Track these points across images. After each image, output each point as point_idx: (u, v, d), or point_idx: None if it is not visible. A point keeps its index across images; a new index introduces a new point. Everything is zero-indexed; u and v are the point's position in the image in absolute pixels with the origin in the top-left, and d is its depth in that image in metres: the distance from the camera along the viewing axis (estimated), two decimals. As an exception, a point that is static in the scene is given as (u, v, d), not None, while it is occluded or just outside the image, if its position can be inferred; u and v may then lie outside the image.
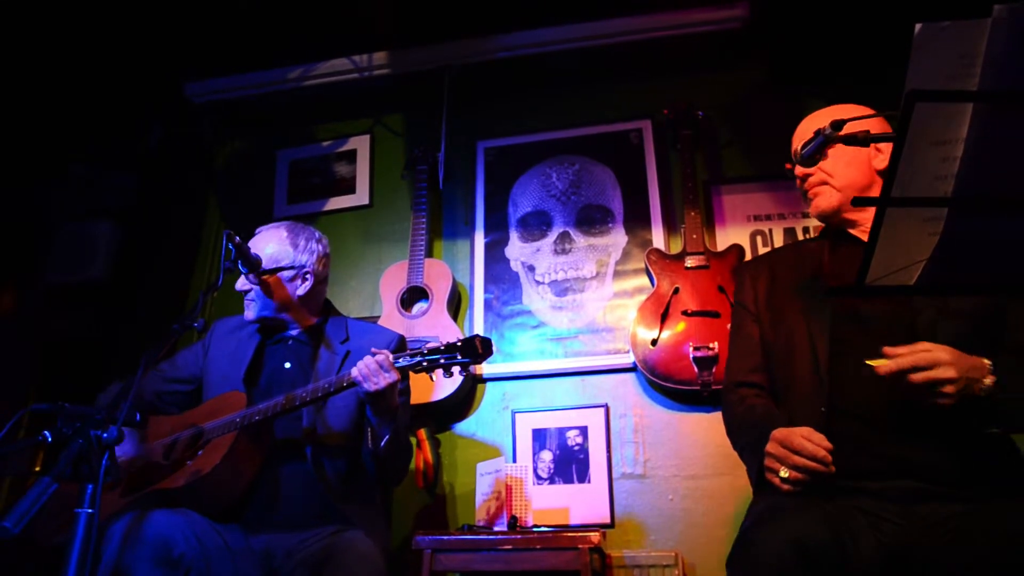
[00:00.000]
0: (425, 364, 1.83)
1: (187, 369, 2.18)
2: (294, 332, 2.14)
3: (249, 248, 2.04)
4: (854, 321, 1.57)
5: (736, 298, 1.88)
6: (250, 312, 2.10)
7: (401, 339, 2.19)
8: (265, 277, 2.06)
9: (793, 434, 1.41)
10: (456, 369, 1.81)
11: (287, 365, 2.09)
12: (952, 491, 1.35)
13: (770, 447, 1.44)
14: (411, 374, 1.93)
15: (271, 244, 2.11)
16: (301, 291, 2.12)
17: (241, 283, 2.10)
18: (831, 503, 1.38)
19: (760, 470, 1.47)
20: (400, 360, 1.83)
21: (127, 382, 2.12)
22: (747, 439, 1.60)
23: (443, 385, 2.70)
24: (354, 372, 1.82)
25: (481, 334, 1.86)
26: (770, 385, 1.71)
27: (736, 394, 1.73)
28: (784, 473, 1.38)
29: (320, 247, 2.19)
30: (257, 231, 2.18)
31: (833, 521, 1.31)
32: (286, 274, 2.10)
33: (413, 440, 2.71)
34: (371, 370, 1.80)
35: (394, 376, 1.81)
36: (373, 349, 1.86)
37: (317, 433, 1.96)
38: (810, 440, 1.38)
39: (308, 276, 2.14)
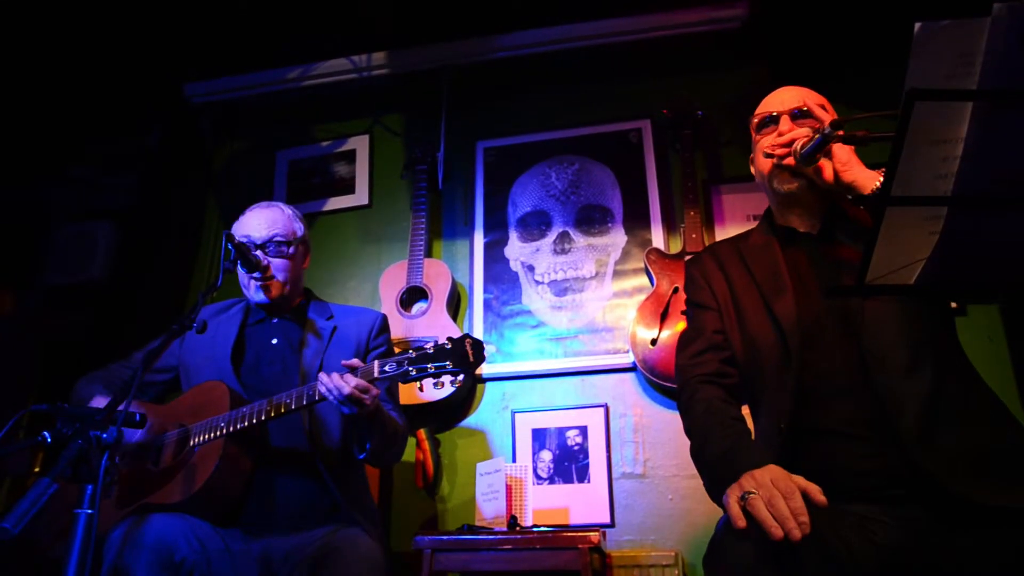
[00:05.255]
0: (414, 373, 1.72)
1: (163, 359, 2.15)
2: (279, 314, 2.13)
3: (249, 247, 2.03)
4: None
5: (690, 297, 1.71)
6: (271, 290, 2.04)
7: (383, 319, 2.19)
8: (290, 250, 2.08)
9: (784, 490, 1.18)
10: (447, 379, 1.72)
11: (274, 341, 2.08)
12: (940, 493, 1.34)
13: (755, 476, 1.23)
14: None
15: (280, 219, 2.11)
16: (305, 265, 2.20)
17: (257, 258, 2.01)
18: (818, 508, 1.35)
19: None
20: (385, 368, 1.74)
21: (106, 377, 2.13)
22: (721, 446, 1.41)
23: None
24: (325, 393, 1.75)
25: (473, 335, 1.71)
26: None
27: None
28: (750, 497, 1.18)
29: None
30: (250, 208, 2.15)
31: (817, 524, 1.29)
32: (300, 248, 2.15)
33: (412, 439, 2.70)
34: (344, 395, 1.73)
35: (370, 397, 1.75)
36: (345, 365, 1.77)
37: (311, 433, 1.95)
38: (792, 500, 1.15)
39: (309, 252, 2.23)
